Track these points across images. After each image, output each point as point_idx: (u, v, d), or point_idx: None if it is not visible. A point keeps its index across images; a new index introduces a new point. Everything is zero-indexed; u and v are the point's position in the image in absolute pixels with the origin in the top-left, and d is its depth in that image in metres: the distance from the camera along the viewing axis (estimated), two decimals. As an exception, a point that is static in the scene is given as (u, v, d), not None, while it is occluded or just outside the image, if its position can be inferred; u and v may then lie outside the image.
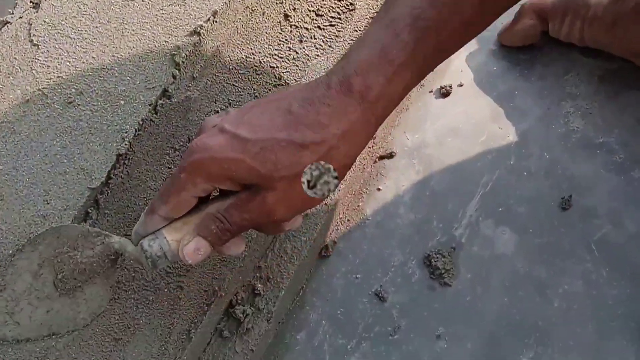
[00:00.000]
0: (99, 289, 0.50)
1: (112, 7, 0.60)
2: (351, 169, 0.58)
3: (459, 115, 0.69)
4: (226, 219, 0.44)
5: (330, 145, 0.41)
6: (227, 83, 0.59)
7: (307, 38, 0.62)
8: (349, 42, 0.62)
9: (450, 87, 0.68)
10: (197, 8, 0.61)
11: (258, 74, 0.59)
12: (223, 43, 0.60)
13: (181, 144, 0.57)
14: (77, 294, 0.50)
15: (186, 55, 0.58)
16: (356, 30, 0.62)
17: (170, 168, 0.56)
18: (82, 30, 0.61)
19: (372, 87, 0.41)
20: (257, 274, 0.57)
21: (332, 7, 0.63)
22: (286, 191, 0.42)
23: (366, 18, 0.63)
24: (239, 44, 0.61)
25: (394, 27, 0.41)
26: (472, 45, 0.72)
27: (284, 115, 0.41)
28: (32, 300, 0.50)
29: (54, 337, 0.50)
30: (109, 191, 0.54)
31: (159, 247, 0.44)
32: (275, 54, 0.61)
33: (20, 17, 0.64)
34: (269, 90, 0.60)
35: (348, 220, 0.62)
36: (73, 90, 0.57)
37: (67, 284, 0.50)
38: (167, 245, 0.44)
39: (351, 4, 0.63)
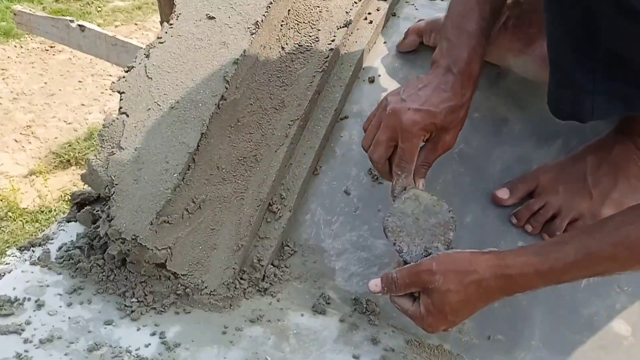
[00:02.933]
0: None
1: (189, 53, 0.92)
2: (328, 123, 0.94)
3: (379, 92, 1.03)
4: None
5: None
6: (255, 88, 0.94)
7: (295, 58, 0.98)
8: (318, 57, 0.97)
9: (374, 77, 1.04)
10: (235, 48, 0.92)
11: (271, 81, 0.95)
12: (250, 66, 0.94)
13: (233, 124, 0.91)
14: None
15: (231, 76, 0.91)
16: (321, 52, 0.98)
17: (230, 137, 0.93)
18: (175, 68, 0.92)
19: None
20: (282, 187, 0.94)
21: (307, 40, 0.99)
22: None
23: (326, 44, 0.98)
24: (259, 66, 0.95)
25: None
26: (384, 52, 1.05)
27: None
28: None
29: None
30: (198, 153, 0.88)
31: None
32: (278, 69, 0.96)
33: (139, 63, 0.93)
34: (279, 87, 0.95)
35: (327, 151, 0.98)
36: (173, 100, 0.90)
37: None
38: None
39: (317, 37, 0.99)
